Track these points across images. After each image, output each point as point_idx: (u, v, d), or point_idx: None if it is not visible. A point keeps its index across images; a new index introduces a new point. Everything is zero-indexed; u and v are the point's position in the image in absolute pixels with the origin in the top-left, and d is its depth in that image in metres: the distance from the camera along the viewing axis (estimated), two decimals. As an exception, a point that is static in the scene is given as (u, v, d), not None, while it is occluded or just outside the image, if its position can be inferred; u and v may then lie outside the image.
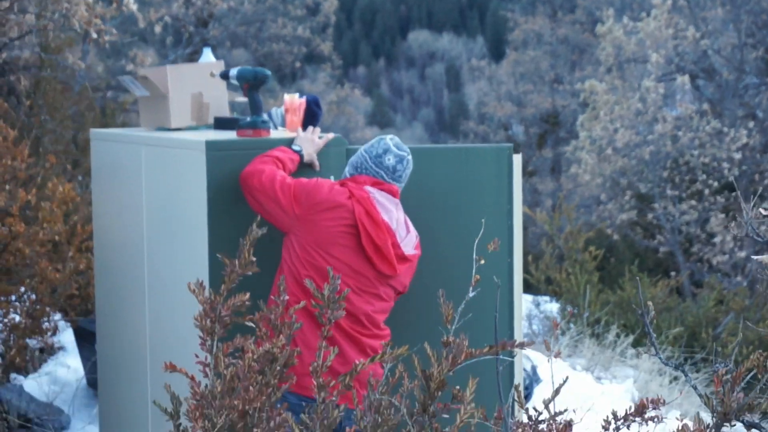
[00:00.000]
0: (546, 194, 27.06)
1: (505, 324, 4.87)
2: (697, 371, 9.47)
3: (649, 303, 3.33)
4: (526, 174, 27.28)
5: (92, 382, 6.87)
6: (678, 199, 19.41)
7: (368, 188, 4.30)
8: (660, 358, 3.21)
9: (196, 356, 3.34)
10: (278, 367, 3.25)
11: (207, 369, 3.31)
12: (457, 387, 3.01)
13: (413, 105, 64.19)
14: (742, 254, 17.68)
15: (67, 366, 7.22)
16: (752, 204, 3.24)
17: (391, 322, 4.46)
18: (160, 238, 4.93)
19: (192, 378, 3.28)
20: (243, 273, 3.37)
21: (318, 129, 4.67)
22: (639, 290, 2.92)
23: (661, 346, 9.54)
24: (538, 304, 12.16)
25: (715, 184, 18.99)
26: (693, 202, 19.01)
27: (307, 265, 4.21)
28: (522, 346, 3.00)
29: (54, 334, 7.14)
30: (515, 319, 4.91)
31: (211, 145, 4.55)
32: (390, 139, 4.44)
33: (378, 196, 4.29)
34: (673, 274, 16.53)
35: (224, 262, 3.42)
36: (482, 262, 3.13)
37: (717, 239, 18.21)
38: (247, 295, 3.40)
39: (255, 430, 3.18)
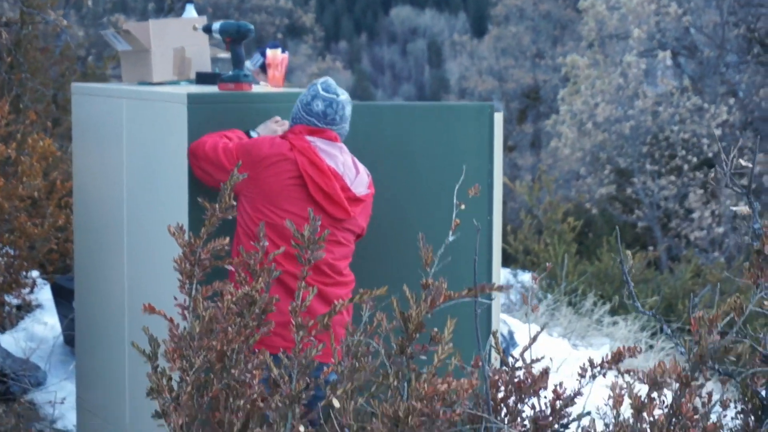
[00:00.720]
0: (526, 169, 27.09)
1: (484, 270, 4.88)
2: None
3: (628, 252, 3.35)
4: (507, 149, 27.29)
5: (69, 339, 6.87)
6: (657, 174, 19.48)
7: (309, 138, 4.28)
8: (638, 306, 3.23)
9: (175, 299, 3.35)
10: (257, 310, 3.25)
11: (186, 312, 3.31)
12: (435, 329, 3.02)
13: (394, 80, 64.05)
14: (720, 230, 17.78)
15: (44, 323, 7.21)
16: (732, 157, 3.26)
17: (370, 268, 4.48)
18: (140, 191, 4.92)
19: (170, 320, 3.29)
20: (223, 217, 3.38)
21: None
22: (619, 242, 2.94)
23: (637, 315, 9.59)
24: (515, 274, 12.20)
25: (695, 159, 19.07)
26: (672, 178, 19.09)
27: (259, 222, 4.20)
28: (500, 289, 3.02)
29: (32, 291, 7.12)
30: (493, 268, 4.93)
31: (192, 98, 4.54)
32: (321, 84, 4.39)
33: (320, 144, 4.28)
34: (650, 248, 16.60)
35: (204, 206, 3.42)
36: (462, 207, 3.14)
37: (695, 215, 18.31)
38: (227, 239, 3.40)
39: (233, 371, 3.19)
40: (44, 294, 7.51)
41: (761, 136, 18.26)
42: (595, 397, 3.42)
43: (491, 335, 3.36)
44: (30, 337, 7.00)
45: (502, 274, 11.26)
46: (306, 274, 3.03)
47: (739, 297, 2.67)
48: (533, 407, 3.38)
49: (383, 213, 4.67)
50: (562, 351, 7.93)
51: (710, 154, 18.69)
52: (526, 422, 3.32)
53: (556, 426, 3.37)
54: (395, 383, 2.92)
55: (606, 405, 3.09)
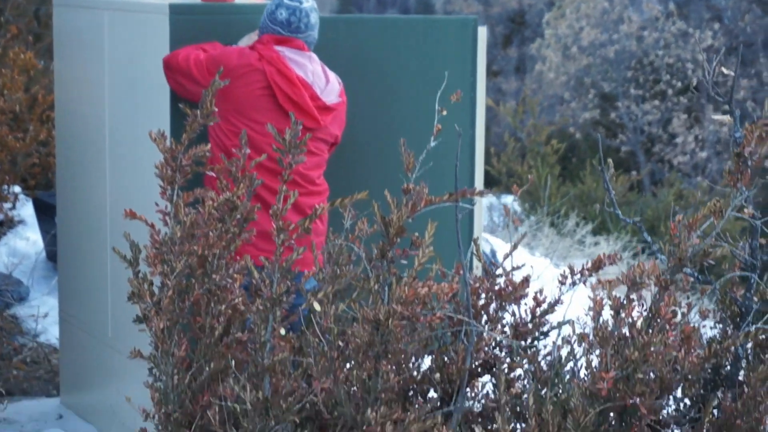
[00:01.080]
0: (510, 94, 26.99)
1: (466, 178, 4.90)
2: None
3: (609, 160, 3.36)
4: (491, 74, 27.18)
5: (51, 255, 6.87)
6: (641, 98, 19.47)
7: (277, 47, 4.25)
8: (618, 214, 3.24)
9: (156, 205, 3.34)
10: (238, 216, 3.26)
11: (167, 218, 3.31)
12: (416, 234, 3.03)
13: (379, 5, 63.51)
14: (703, 155, 17.83)
15: (27, 239, 7.21)
16: (713, 66, 3.24)
17: (351, 176, 4.48)
18: (122, 103, 4.90)
19: (152, 226, 3.29)
20: (204, 123, 3.36)
21: None
22: (601, 153, 2.94)
23: (619, 233, 9.64)
24: (498, 197, 12.22)
25: (679, 84, 19.05)
26: (656, 102, 19.09)
27: (230, 135, 4.19)
28: (482, 194, 3.03)
29: (14, 206, 7.11)
30: (476, 177, 4.94)
31: (174, 9, 4.49)
32: None
33: (288, 53, 4.26)
34: (633, 173, 16.65)
35: (185, 111, 3.41)
36: (444, 113, 3.14)
37: (678, 140, 18.34)
38: (208, 146, 3.40)
39: (214, 276, 3.20)
40: (27, 210, 7.50)
41: (745, 61, 18.24)
42: (576, 309, 3.45)
43: (472, 242, 3.37)
44: (12, 253, 7.00)
45: (482, 201, 11.29)
46: (287, 178, 3.02)
47: (719, 201, 2.68)
48: (513, 314, 3.41)
49: (366, 123, 4.67)
50: (544, 269, 7.98)
51: (694, 79, 18.66)
52: (506, 329, 3.35)
53: (536, 334, 3.40)
54: (376, 287, 2.93)
55: (586, 315, 3.11)
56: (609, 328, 2.67)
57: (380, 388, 2.91)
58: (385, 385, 2.90)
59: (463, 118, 4.77)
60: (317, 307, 2.97)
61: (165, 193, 3.33)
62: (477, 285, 3.36)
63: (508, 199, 12.46)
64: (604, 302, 2.70)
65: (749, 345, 3.08)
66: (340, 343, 3.02)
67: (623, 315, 2.63)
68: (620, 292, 2.80)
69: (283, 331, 2.98)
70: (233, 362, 3.08)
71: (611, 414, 2.87)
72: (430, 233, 2.90)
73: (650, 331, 2.65)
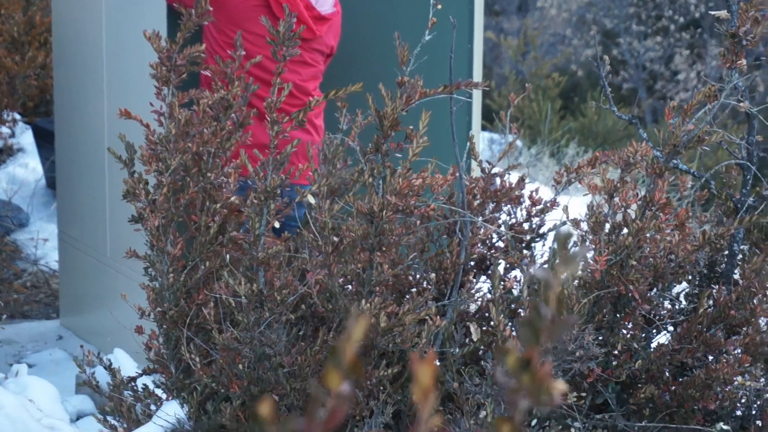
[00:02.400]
0: (512, 33, 26.84)
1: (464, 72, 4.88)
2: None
3: (605, 57, 3.33)
4: (492, 13, 27.01)
5: (51, 182, 6.87)
6: (643, 35, 19.35)
7: None
8: (614, 110, 3.22)
9: (151, 105, 3.33)
10: (233, 114, 3.24)
11: (162, 118, 3.30)
12: (410, 127, 3.02)
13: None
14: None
15: (26, 166, 7.20)
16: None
17: (346, 71, 4.46)
18: (119, 22, 4.86)
19: (147, 126, 3.28)
20: (198, 23, 3.34)
21: None
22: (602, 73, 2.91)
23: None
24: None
25: (681, 20, 18.92)
26: (658, 39, 18.97)
27: (225, 46, 4.16)
28: (476, 86, 3.01)
29: (13, 134, 7.10)
30: (474, 69, 4.92)
31: None
32: None
33: None
34: (636, 109, 16.58)
35: (180, 11, 3.38)
36: (439, 7, 3.11)
37: (681, 76, 18.24)
38: (203, 46, 3.38)
39: (209, 174, 3.19)
40: (26, 138, 7.49)
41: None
42: (573, 214, 3.44)
43: (468, 140, 3.36)
44: (12, 180, 7.00)
45: (483, 136, 11.24)
46: (281, 70, 3.00)
47: (714, 85, 2.66)
48: (509, 214, 3.40)
49: (360, 20, 4.64)
50: (543, 193, 7.95)
51: (697, 15, 18.53)
52: (502, 228, 3.34)
53: (533, 235, 3.40)
54: (370, 180, 2.92)
55: (582, 221, 3.10)
56: (603, 213, 2.66)
57: (374, 281, 2.91)
58: (380, 278, 2.90)
59: (460, 32, 4.73)
60: (311, 200, 2.96)
61: (160, 94, 3.31)
62: (473, 185, 3.36)
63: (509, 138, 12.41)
64: (597, 184, 2.69)
65: (742, 236, 3.07)
66: (335, 238, 3.02)
67: (617, 199, 2.62)
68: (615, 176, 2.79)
69: (277, 225, 2.98)
70: (228, 258, 3.08)
71: (605, 304, 2.87)
72: (424, 123, 2.88)
73: (644, 217, 2.64)
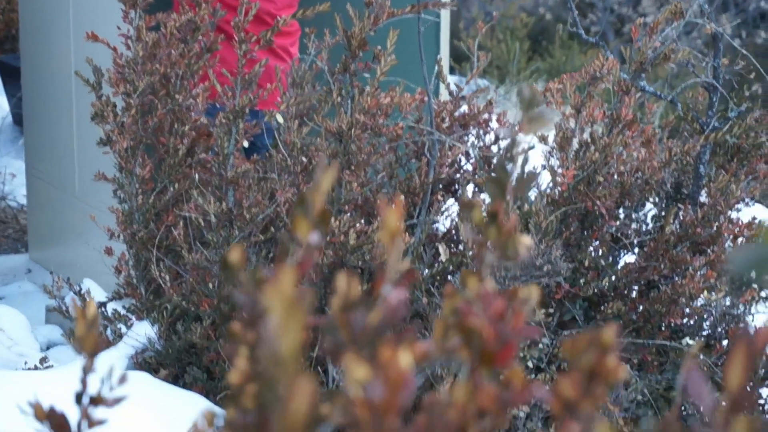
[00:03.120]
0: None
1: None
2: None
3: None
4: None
5: (18, 118, 6.80)
6: (612, -22, 19.26)
7: None
8: (581, 32, 3.22)
9: (118, 28, 3.30)
10: (200, 37, 3.22)
11: (129, 41, 3.28)
12: (378, 47, 3.01)
13: None
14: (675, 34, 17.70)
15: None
16: None
17: None
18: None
19: (114, 49, 3.25)
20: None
21: None
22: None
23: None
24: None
25: (649, -37, 18.85)
26: (626, -18, 18.89)
27: None
28: (444, 5, 3.00)
29: (-24, 70, 7.02)
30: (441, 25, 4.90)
31: None
32: None
33: None
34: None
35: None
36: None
37: (649, 19, 18.19)
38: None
39: (177, 96, 3.18)
40: (-10, 75, 7.40)
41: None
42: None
43: (436, 63, 3.36)
44: (-23, 117, 6.94)
45: (453, 79, 11.23)
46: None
47: (680, 2, 2.67)
48: (478, 137, 3.41)
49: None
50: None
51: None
52: (470, 150, 3.35)
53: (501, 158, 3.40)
54: (338, 100, 2.92)
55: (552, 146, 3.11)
56: (569, 129, 2.67)
57: (344, 199, 2.92)
58: (349, 196, 2.91)
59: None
60: (280, 119, 2.96)
61: (127, 17, 3.29)
62: (441, 109, 3.36)
63: (481, 82, 12.39)
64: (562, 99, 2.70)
65: (708, 158, 3.09)
66: (304, 159, 3.02)
67: (584, 113, 2.64)
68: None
69: (246, 144, 2.98)
70: (197, 179, 3.07)
71: (572, 221, 2.89)
72: (392, 41, 2.88)
73: (611, 133, 2.66)
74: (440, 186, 3.29)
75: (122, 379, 1.07)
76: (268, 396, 0.59)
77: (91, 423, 1.06)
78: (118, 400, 1.08)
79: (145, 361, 3.12)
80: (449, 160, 3.15)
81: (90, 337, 1.07)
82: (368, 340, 0.81)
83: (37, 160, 5.60)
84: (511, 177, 0.96)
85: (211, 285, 2.91)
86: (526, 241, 0.96)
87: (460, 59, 12.74)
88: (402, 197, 3.24)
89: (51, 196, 5.46)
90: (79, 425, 1.07)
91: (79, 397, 1.08)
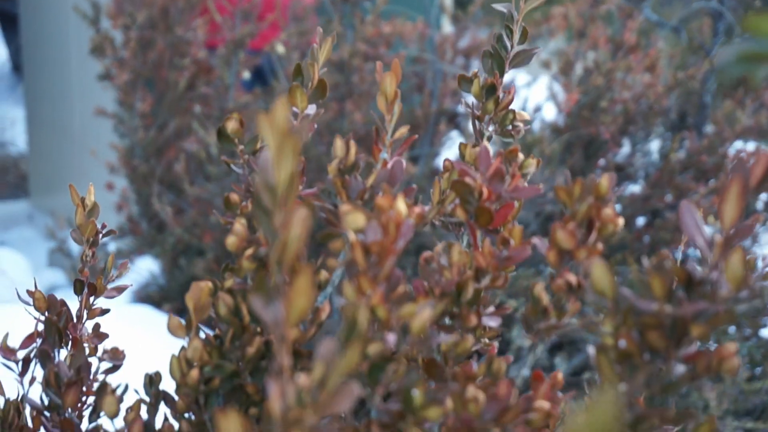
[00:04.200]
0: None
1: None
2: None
3: None
4: None
5: (16, 65, 6.77)
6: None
7: None
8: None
9: (116, -38, 3.27)
10: (199, -32, 3.19)
11: (127, -25, 3.25)
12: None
13: None
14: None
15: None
16: None
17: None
18: None
19: (112, -18, 3.23)
20: None
21: None
22: None
23: None
24: None
25: None
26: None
27: None
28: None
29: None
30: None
31: None
32: None
33: None
34: None
35: None
36: None
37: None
38: None
39: (177, 29, 3.15)
40: (-11, 24, 7.36)
41: None
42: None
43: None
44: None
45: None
46: None
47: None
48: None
49: None
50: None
51: None
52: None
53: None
54: (340, 29, 2.89)
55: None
56: (573, 53, 2.65)
57: (345, 130, 2.90)
58: (351, 126, 2.89)
59: None
60: (280, 49, 2.93)
61: (124, -50, 3.25)
62: (443, 40, 3.34)
63: None
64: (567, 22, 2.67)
65: (713, 89, 3.06)
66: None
67: (587, 35, 2.61)
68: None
69: (247, 75, 2.96)
70: (199, 110, 3.05)
71: (576, 149, 2.87)
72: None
73: (614, 58, 2.63)
74: (443, 118, 3.27)
75: (122, 267, 1.06)
76: (265, 227, 0.58)
77: (91, 312, 1.05)
78: (119, 290, 1.07)
79: (149, 296, 3.12)
80: (451, 91, 3.12)
81: (89, 225, 1.06)
82: (365, 199, 0.80)
83: (37, 105, 5.58)
84: (510, 51, 0.94)
85: (213, 217, 2.90)
86: (525, 115, 0.95)
87: (464, 5, 12.66)
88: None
89: (51, 141, 5.44)
90: (79, 314, 1.06)
91: (78, 287, 1.07)
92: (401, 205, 0.67)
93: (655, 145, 3.20)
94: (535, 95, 3.66)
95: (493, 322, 0.77)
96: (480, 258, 0.74)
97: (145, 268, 3.14)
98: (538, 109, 3.04)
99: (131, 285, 1.01)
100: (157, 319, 2.73)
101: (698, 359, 0.62)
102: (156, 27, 3.17)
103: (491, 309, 0.77)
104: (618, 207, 2.96)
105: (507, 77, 3.30)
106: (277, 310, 0.56)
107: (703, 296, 0.61)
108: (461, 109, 3.29)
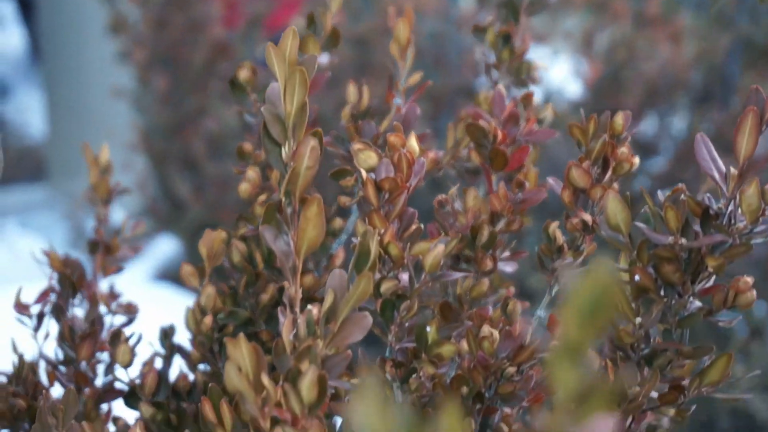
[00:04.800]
0: None
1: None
2: None
3: None
4: None
5: (35, 51, 6.79)
6: None
7: None
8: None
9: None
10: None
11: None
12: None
13: None
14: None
15: (9, 36, 7.12)
16: None
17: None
18: None
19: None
20: None
21: None
22: None
23: None
24: None
25: None
26: None
27: None
28: None
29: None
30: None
31: None
32: None
33: None
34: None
35: None
36: None
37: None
38: None
39: (194, 4, 3.15)
40: (8, 8, 7.38)
41: None
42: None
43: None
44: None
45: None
46: None
47: None
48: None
49: None
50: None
51: None
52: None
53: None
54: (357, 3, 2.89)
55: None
56: (594, 27, 2.63)
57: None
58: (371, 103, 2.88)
59: None
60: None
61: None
62: (463, 14, 3.32)
63: None
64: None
65: (739, 62, 3.04)
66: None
67: (609, 9, 2.59)
68: None
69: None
70: (217, 90, 3.05)
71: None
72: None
73: (637, 30, 2.61)
74: (463, 94, 3.25)
75: (137, 226, 1.06)
76: (275, 158, 0.57)
77: (106, 270, 1.05)
78: (134, 249, 1.07)
79: (169, 274, 3.12)
80: (471, 66, 3.11)
81: (103, 184, 1.05)
82: (379, 144, 0.79)
83: (56, 89, 5.60)
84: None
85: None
86: (541, 64, 0.94)
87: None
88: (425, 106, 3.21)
89: (70, 124, 5.46)
90: (94, 273, 1.06)
91: (93, 247, 1.06)
92: (413, 143, 0.66)
93: (679, 120, 3.18)
94: (557, 73, 3.65)
95: (509, 267, 0.77)
96: (495, 201, 0.74)
97: (165, 247, 3.14)
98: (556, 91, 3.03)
99: (147, 257, 1.01)
100: (177, 297, 2.74)
101: (714, 293, 0.61)
102: (173, 4, 3.16)
103: (507, 254, 0.76)
104: (646, 182, 2.95)
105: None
106: (288, 240, 0.56)
107: (718, 229, 0.60)
108: (482, 81, 3.28)
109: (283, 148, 0.57)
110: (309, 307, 0.55)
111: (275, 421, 0.53)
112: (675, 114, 3.11)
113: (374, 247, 0.56)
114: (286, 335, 0.55)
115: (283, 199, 0.56)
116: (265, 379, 0.51)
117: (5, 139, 6.21)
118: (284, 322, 0.55)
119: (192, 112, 3.17)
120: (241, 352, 0.51)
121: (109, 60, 3.42)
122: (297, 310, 0.56)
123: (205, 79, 3.18)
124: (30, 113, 6.47)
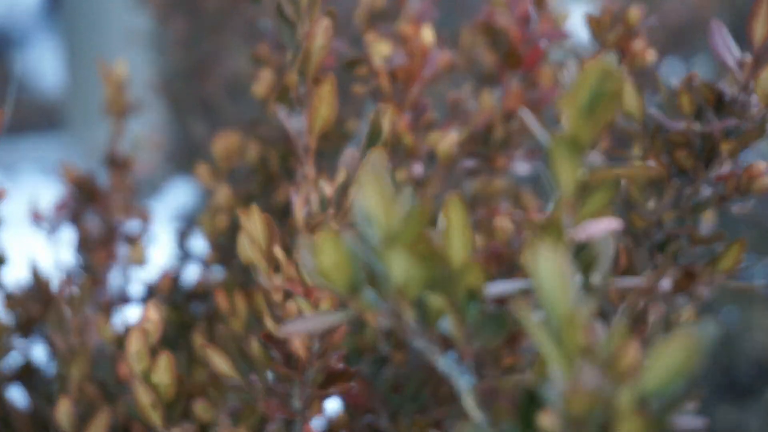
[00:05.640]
0: None
1: None
2: None
3: None
4: None
5: (50, 1, 6.79)
6: None
7: None
8: None
9: None
10: None
11: None
12: None
13: None
14: None
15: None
16: None
17: None
18: None
19: None
20: None
21: None
22: None
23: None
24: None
25: None
26: None
27: None
28: None
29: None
30: None
31: None
32: None
33: None
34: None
35: None
36: None
37: None
38: None
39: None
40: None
41: None
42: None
43: None
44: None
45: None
46: None
47: None
48: None
49: None
50: None
51: None
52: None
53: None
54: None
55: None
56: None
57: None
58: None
59: None
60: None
61: None
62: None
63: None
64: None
65: None
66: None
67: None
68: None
69: None
70: (237, 30, 3.04)
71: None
72: None
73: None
74: None
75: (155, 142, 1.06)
76: (288, 38, 0.57)
77: (121, 185, 1.05)
78: (150, 166, 1.07)
79: (187, 217, 3.13)
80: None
81: (118, 100, 1.06)
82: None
83: (73, 38, 5.59)
84: None
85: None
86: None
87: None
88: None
89: (87, 74, 5.46)
90: (108, 188, 1.06)
91: (108, 161, 1.07)
92: (427, 33, 0.66)
93: (704, 65, 3.14)
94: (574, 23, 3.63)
95: (523, 167, 0.77)
96: (509, 99, 0.74)
97: (182, 190, 3.15)
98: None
99: (164, 200, 1.01)
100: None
101: (728, 179, 0.61)
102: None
103: (521, 153, 0.76)
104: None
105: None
106: (301, 119, 0.56)
107: (732, 114, 0.60)
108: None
109: (296, 28, 0.57)
110: (321, 183, 0.55)
111: (288, 295, 0.53)
112: (699, 57, 3.09)
113: (386, 125, 0.56)
114: (299, 212, 0.55)
115: (297, 79, 0.56)
116: (278, 250, 0.52)
117: (21, 89, 6.21)
118: (297, 199, 0.56)
119: (211, 54, 3.17)
120: (254, 222, 0.52)
121: (126, 5, 3.42)
122: (310, 188, 0.56)
123: (224, 20, 3.17)
124: (46, 63, 6.47)
